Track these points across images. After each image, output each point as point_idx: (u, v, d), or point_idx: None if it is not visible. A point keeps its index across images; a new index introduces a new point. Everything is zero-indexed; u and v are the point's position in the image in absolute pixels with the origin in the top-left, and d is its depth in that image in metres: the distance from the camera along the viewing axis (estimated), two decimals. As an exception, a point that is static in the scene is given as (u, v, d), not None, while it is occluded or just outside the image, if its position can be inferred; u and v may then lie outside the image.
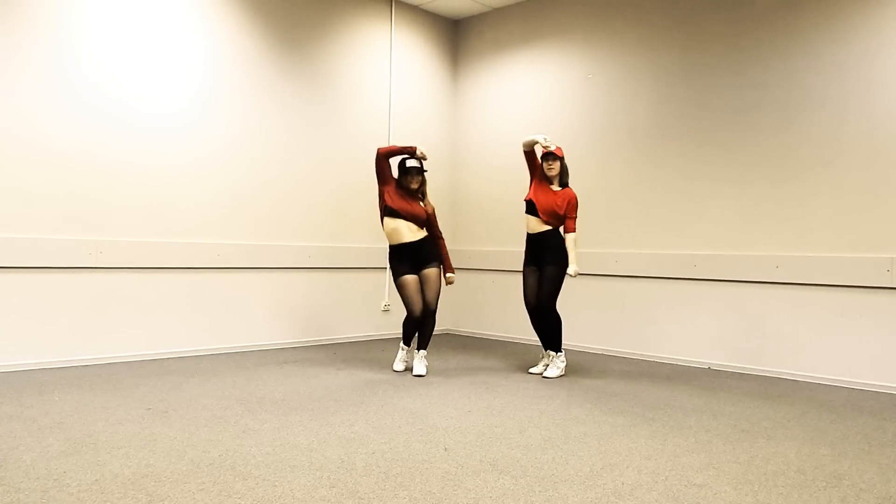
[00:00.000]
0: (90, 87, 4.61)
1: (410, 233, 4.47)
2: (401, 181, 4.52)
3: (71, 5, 4.52)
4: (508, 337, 6.34)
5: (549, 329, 4.57)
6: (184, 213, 5.04)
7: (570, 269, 4.47)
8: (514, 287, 6.29)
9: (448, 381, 4.33)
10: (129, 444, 2.83)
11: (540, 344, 5.20)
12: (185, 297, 5.05)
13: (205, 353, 5.14)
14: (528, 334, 6.06)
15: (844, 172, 4.51)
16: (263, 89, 5.47)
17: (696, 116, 5.18)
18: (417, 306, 4.48)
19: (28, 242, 4.36)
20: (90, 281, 4.62)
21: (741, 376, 4.72)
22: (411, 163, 4.49)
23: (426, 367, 4.57)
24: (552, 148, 4.50)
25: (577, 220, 4.65)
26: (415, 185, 4.49)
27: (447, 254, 4.72)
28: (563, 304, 5.88)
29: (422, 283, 4.52)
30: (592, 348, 5.73)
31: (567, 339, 5.88)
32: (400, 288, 4.51)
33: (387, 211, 4.47)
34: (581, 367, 4.92)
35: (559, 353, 4.57)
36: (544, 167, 4.53)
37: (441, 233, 4.72)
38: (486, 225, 6.57)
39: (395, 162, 4.60)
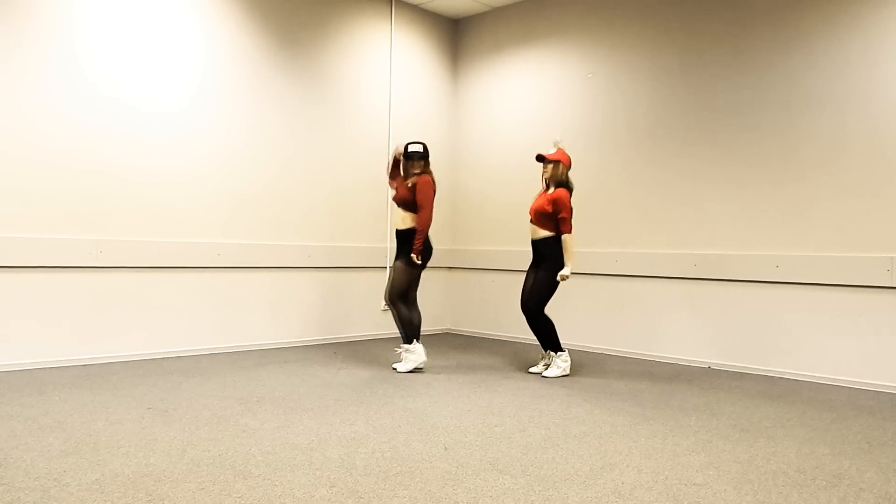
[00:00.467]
0: (90, 87, 4.61)
1: (399, 221, 4.57)
2: (406, 170, 4.61)
3: (71, 5, 4.52)
4: (508, 336, 6.34)
5: (537, 332, 4.57)
6: (184, 213, 5.04)
7: (560, 273, 4.44)
8: (514, 287, 6.30)
9: (448, 380, 4.33)
10: (130, 443, 2.83)
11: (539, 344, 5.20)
12: (186, 297, 5.05)
13: (205, 353, 5.14)
14: (528, 334, 6.06)
15: (844, 172, 4.51)
16: (263, 89, 5.47)
17: (695, 116, 5.18)
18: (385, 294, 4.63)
19: (28, 242, 4.36)
20: (90, 280, 4.62)
21: (741, 376, 4.72)
22: (413, 147, 4.54)
23: (409, 363, 4.52)
24: (553, 150, 4.53)
25: (574, 219, 4.64)
26: (417, 170, 4.52)
27: (418, 233, 4.46)
28: (563, 304, 5.89)
29: (391, 274, 4.63)
30: (592, 348, 5.73)
31: (567, 339, 5.88)
32: None
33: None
34: (581, 367, 4.92)
35: (560, 353, 4.56)
36: (541, 170, 4.56)
37: (425, 210, 4.44)
38: (486, 225, 6.57)
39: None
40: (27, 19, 4.36)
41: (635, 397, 3.95)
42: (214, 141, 5.20)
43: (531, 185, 6.06)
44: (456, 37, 6.90)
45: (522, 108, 6.30)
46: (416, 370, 4.56)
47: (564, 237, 4.43)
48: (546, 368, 4.59)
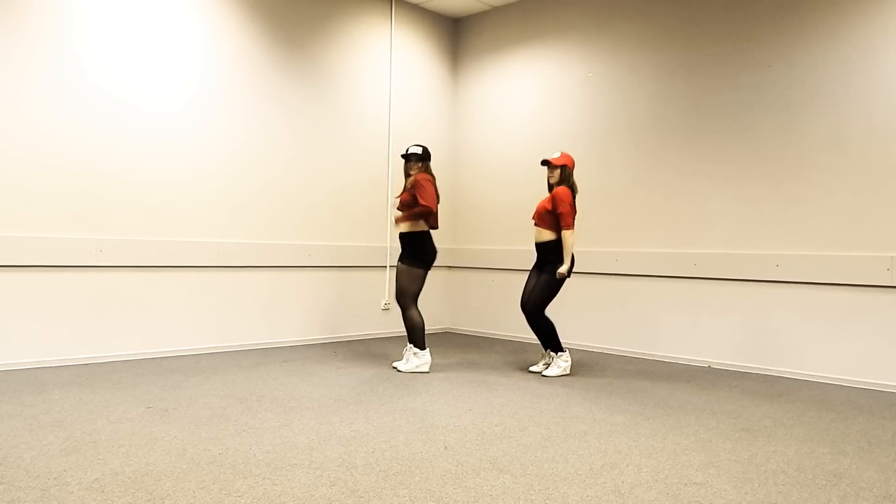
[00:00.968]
0: (90, 86, 4.61)
1: (402, 224, 4.56)
2: (405, 172, 4.62)
3: (71, 5, 4.52)
4: (508, 336, 6.34)
5: (537, 332, 4.57)
6: (184, 213, 5.04)
7: (557, 270, 4.44)
8: (514, 286, 6.30)
9: (448, 379, 4.33)
10: (130, 442, 2.83)
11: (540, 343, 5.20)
12: (186, 296, 5.05)
13: (205, 352, 5.14)
14: (528, 333, 6.07)
15: (845, 171, 4.51)
16: (263, 88, 5.47)
17: (696, 115, 5.18)
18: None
19: (28, 241, 4.36)
20: (90, 280, 4.62)
21: (741, 375, 4.72)
22: (412, 149, 4.55)
23: (412, 364, 4.53)
24: (556, 155, 4.52)
25: (576, 217, 4.61)
26: (413, 172, 4.53)
27: (419, 206, 4.45)
28: (563, 304, 5.89)
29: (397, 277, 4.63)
30: (592, 347, 5.73)
31: (567, 338, 5.88)
32: None
33: None
34: (581, 366, 4.92)
35: (560, 353, 4.56)
36: (548, 174, 4.57)
37: (421, 201, 4.43)
38: (486, 224, 6.57)
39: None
40: (27, 19, 4.36)
41: (635, 396, 3.95)
42: (215, 141, 5.20)
43: (531, 185, 6.06)
44: (456, 36, 6.90)
45: (522, 107, 6.30)
46: (417, 372, 4.55)
47: (564, 234, 4.41)
48: (546, 368, 4.59)
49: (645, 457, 2.80)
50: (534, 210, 4.63)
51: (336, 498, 2.28)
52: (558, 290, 4.52)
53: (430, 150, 4.58)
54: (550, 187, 4.57)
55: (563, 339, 5.89)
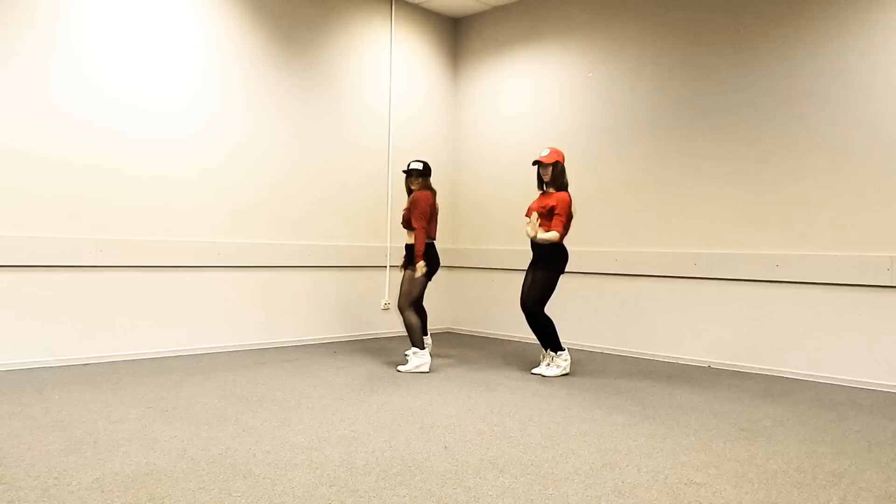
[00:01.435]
0: (90, 86, 4.61)
1: (407, 235, 4.77)
2: (406, 187, 4.81)
3: (71, 5, 4.52)
4: (508, 336, 6.34)
5: (535, 331, 4.57)
6: (184, 212, 5.04)
7: (526, 229, 4.42)
8: (514, 286, 6.30)
9: (448, 379, 4.33)
10: (130, 442, 2.83)
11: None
12: (186, 296, 5.05)
13: (205, 352, 5.14)
14: (529, 333, 6.06)
15: (845, 171, 4.51)
16: (264, 88, 5.47)
17: (696, 115, 5.18)
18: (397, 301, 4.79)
19: (28, 241, 4.36)
20: (90, 279, 4.62)
21: (741, 375, 4.72)
22: (413, 165, 4.71)
23: (413, 365, 4.57)
24: (545, 153, 4.50)
25: (574, 219, 4.62)
26: (415, 187, 4.71)
27: (417, 243, 4.60)
28: (563, 304, 5.89)
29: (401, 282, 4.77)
30: (592, 347, 5.73)
31: (567, 338, 5.88)
32: None
33: None
34: (581, 366, 4.92)
35: (559, 353, 4.56)
36: (540, 173, 4.55)
37: (418, 222, 4.58)
38: (486, 224, 6.57)
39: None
40: (28, 19, 4.36)
41: (635, 396, 3.95)
42: (214, 140, 5.20)
43: (531, 185, 6.06)
44: (456, 36, 6.90)
45: (522, 107, 6.30)
46: (418, 372, 4.57)
47: (553, 234, 4.37)
48: (546, 367, 4.59)
49: (645, 457, 2.80)
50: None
51: (336, 498, 2.28)
52: (555, 286, 4.51)
53: (430, 164, 4.92)
54: (544, 184, 4.56)
55: (564, 339, 5.89)
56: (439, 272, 6.70)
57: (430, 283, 6.51)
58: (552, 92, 6.07)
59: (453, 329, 6.84)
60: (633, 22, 5.55)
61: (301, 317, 5.73)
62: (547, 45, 6.13)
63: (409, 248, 4.75)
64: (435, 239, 4.76)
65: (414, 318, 4.63)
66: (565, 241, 4.49)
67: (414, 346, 4.62)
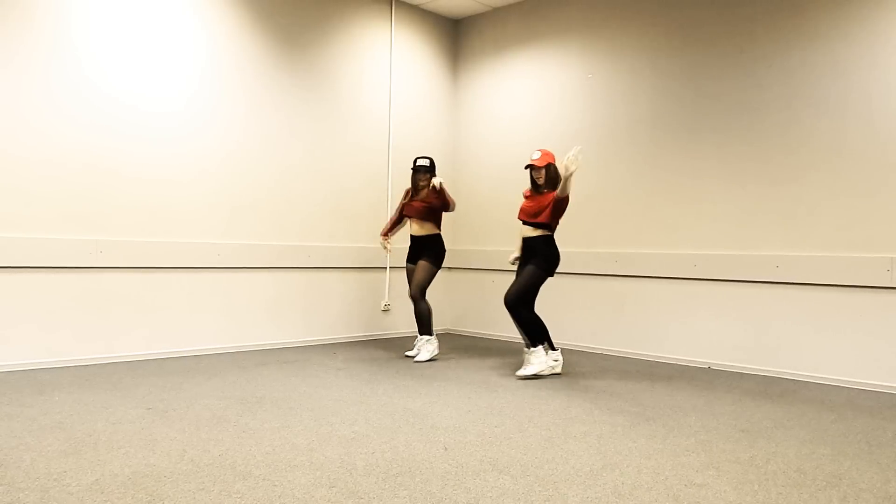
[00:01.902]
0: (90, 86, 4.61)
1: (416, 229, 5.16)
2: (413, 183, 5.16)
3: (71, 5, 4.52)
4: (508, 337, 6.34)
5: (518, 325, 4.48)
6: (184, 213, 5.04)
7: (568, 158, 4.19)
8: (514, 287, 6.29)
9: (448, 380, 4.33)
10: (129, 443, 2.83)
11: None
12: (186, 297, 5.05)
13: (205, 353, 5.14)
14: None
15: (845, 173, 4.51)
16: (263, 89, 5.47)
17: (696, 116, 5.18)
18: (410, 290, 5.12)
19: (28, 242, 4.36)
20: (90, 280, 4.62)
21: (741, 376, 4.72)
22: (420, 161, 5.07)
23: (428, 352, 5.02)
24: (537, 156, 4.49)
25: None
26: (424, 183, 5.07)
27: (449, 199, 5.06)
28: (563, 304, 5.89)
29: (414, 272, 5.11)
30: (592, 348, 5.73)
31: (567, 338, 5.88)
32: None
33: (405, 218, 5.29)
34: (581, 367, 4.92)
35: (534, 349, 4.42)
36: (534, 177, 4.53)
37: (450, 199, 5.05)
38: (486, 225, 6.57)
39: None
40: (28, 20, 4.36)
41: (635, 397, 3.95)
42: (214, 141, 5.20)
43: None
44: (456, 37, 6.90)
45: (522, 108, 6.30)
46: (431, 360, 5.03)
47: (568, 189, 4.30)
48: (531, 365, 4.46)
49: (645, 458, 2.80)
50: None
51: (336, 499, 2.28)
52: (540, 284, 4.47)
53: (434, 162, 5.31)
54: (537, 188, 4.54)
55: (563, 340, 5.89)
56: (439, 273, 6.70)
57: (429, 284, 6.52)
58: (552, 93, 6.07)
59: (453, 330, 6.84)
60: (633, 23, 5.55)
61: (301, 318, 5.73)
62: (547, 45, 6.13)
63: (421, 239, 5.08)
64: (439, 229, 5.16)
65: (427, 307, 5.02)
66: (558, 242, 4.49)
67: (425, 334, 5.02)
